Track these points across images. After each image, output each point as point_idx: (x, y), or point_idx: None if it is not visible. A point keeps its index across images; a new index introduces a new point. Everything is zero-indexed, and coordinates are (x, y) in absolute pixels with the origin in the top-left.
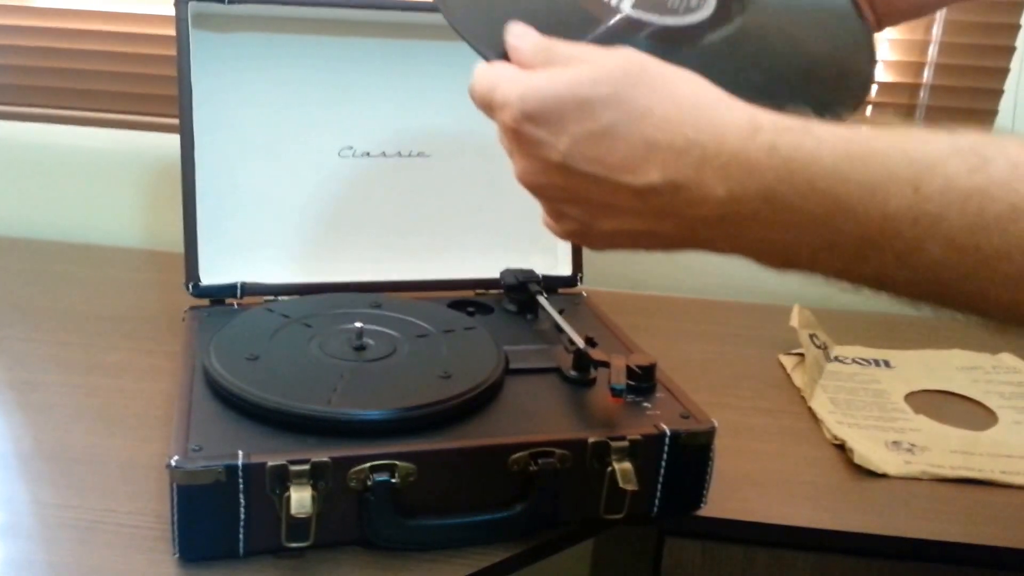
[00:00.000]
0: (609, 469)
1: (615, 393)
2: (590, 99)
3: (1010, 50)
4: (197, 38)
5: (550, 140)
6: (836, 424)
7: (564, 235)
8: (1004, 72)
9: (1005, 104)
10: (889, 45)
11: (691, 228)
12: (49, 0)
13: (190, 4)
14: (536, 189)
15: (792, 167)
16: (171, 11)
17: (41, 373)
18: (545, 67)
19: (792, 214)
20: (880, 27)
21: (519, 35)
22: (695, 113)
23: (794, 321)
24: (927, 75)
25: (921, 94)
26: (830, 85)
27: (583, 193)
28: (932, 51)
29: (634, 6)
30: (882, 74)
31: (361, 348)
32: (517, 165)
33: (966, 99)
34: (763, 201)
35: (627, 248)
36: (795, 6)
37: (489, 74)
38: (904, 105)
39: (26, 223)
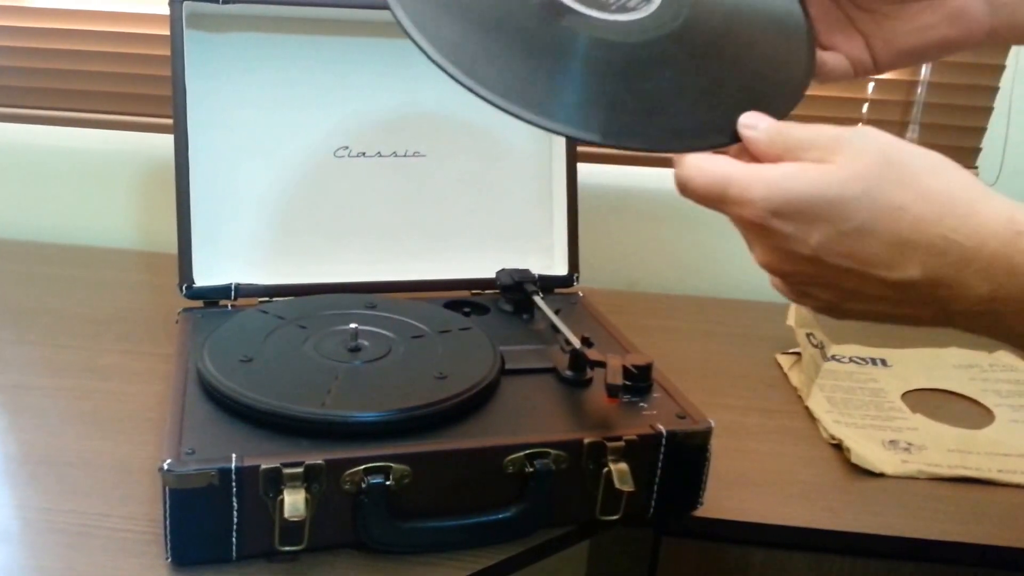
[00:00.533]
0: (605, 470)
1: (611, 393)
2: (842, 199)
3: (993, 90)
4: (191, 38)
5: (799, 235)
6: (833, 423)
7: (811, 310)
8: (988, 111)
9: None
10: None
11: (949, 317)
12: (43, 0)
13: (184, 4)
14: (781, 275)
15: None
16: (165, 11)
17: (33, 376)
18: (784, 159)
19: None
20: (878, 71)
21: (751, 124)
22: (950, 211)
23: (791, 320)
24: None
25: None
26: (767, 93)
27: (833, 280)
28: (920, 92)
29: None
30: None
31: (356, 349)
32: (758, 253)
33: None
34: None
35: (876, 322)
36: (741, 11)
37: (717, 170)
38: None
39: (18, 225)
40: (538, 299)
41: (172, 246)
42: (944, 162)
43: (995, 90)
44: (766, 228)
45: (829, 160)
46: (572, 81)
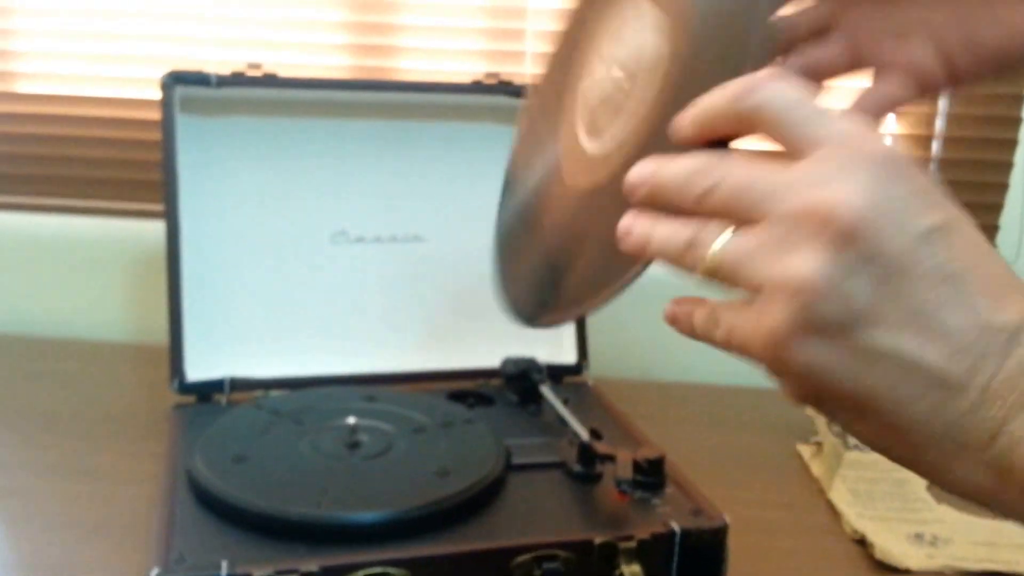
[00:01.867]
0: (617, 572)
1: (621, 490)
2: None
3: (1017, 121)
4: (184, 123)
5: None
6: (856, 517)
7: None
8: (1013, 144)
9: (1015, 178)
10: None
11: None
12: (33, 86)
13: (177, 88)
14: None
15: None
16: (156, 95)
17: (19, 478)
18: None
19: None
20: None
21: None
22: None
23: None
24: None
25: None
26: None
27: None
28: (940, 124)
29: None
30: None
31: (355, 445)
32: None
33: (976, 172)
34: None
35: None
36: None
37: None
38: None
39: (4, 317)
40: (545, 389)
41: (166, 336)
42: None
43: (1014, 143)
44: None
45: None
46: None
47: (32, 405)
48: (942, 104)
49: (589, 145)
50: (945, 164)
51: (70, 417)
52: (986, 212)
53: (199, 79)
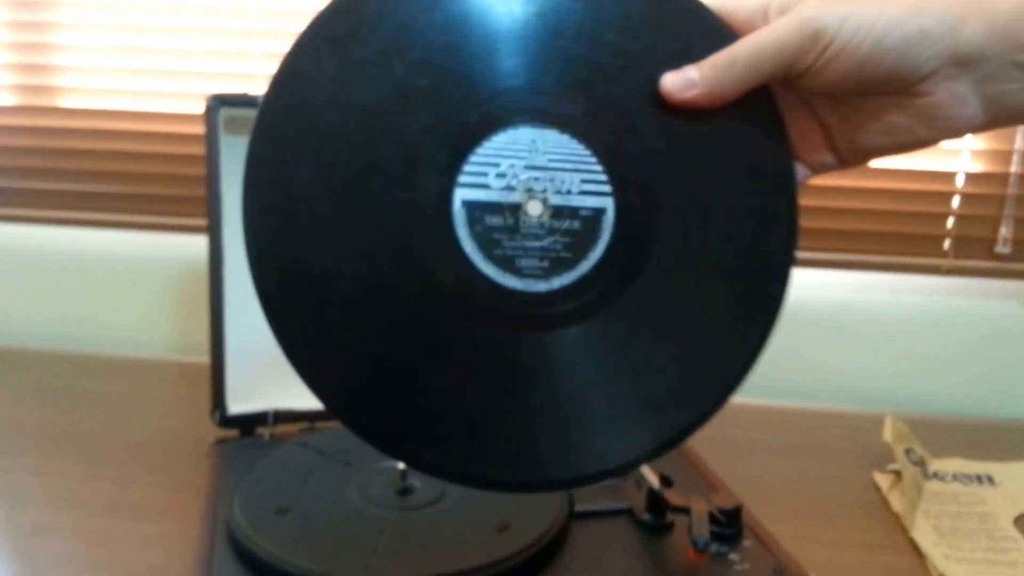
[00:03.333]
0: None
1: (697, 548)
2: None
3: None
4: (227, 144)
5: None
6: (943, 559)
7: None
8: None
9: None
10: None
11: None
12: (74, 100)
13: (222, 110)
14: None
15: None
16: (196, 109)
17: (53, 514)
18: None
19: None
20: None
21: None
22: None
23: (887, 435)
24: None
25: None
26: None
27: None
28: (1019, 140)
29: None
30: (968, 163)
31: (406, 491)
32: None
33: None
34: None
35: None
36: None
37: None
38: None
39: (46, 333)
40: None
41: (207, 353)
42: None
43: None
44: None
45: None
46: None
47: (69, 431)
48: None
49: None
50: None
51: (108, 444)
52: None
53: (243, 101)
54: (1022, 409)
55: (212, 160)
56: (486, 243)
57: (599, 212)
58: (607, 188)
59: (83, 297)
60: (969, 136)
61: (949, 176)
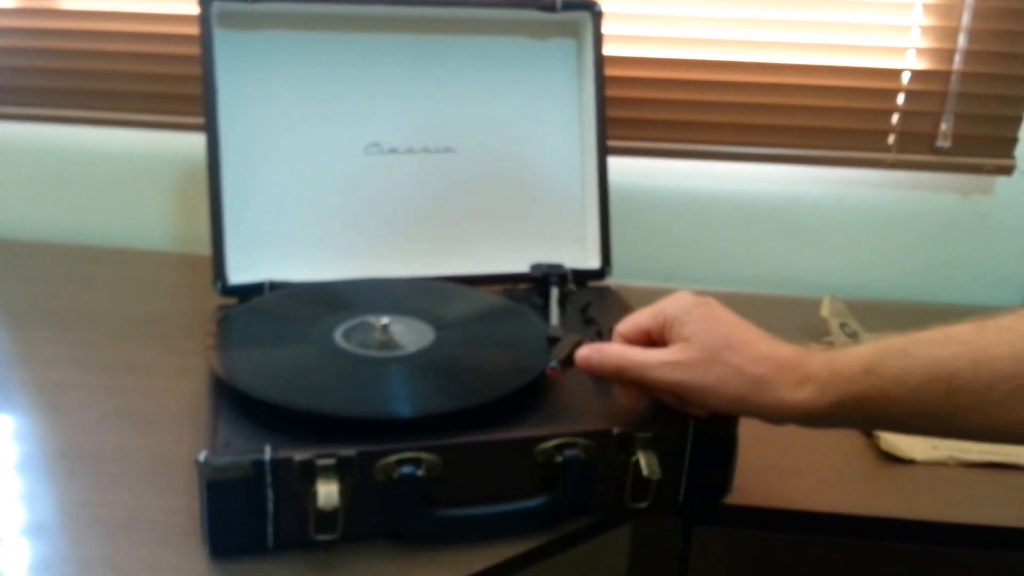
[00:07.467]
0: (633, 459)
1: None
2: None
3: None
4: (221, 37)
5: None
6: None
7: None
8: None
9: None
10: (921, 32)
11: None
12: (74, 2)
13: (214, 4)
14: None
15: None
16: (194, 10)
17: (72, 374)
18: None
19: None
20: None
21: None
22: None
23: (824, 311)
24: (957, 62)
25: (951, 81)
26: None
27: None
28: (962, 39)
29: None
30: (912, 61)
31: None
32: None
33: (998, 85)
34: None
35: None
36: None
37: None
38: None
39: (53, 227)
40: (554, 291)
41: (207, 246)
42: None
43: None
44: None
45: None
46: None
47: (83, 308)
48: (965, 18)
49: None
50: (966, 77)
51: (118, 319)
52: (1006, 125)
53: None
54: (959, 294)
55: (207, 51)
56: None
57: None
58: None
59: (86, 192)
60: (915, 34)
61: (895, 74)
